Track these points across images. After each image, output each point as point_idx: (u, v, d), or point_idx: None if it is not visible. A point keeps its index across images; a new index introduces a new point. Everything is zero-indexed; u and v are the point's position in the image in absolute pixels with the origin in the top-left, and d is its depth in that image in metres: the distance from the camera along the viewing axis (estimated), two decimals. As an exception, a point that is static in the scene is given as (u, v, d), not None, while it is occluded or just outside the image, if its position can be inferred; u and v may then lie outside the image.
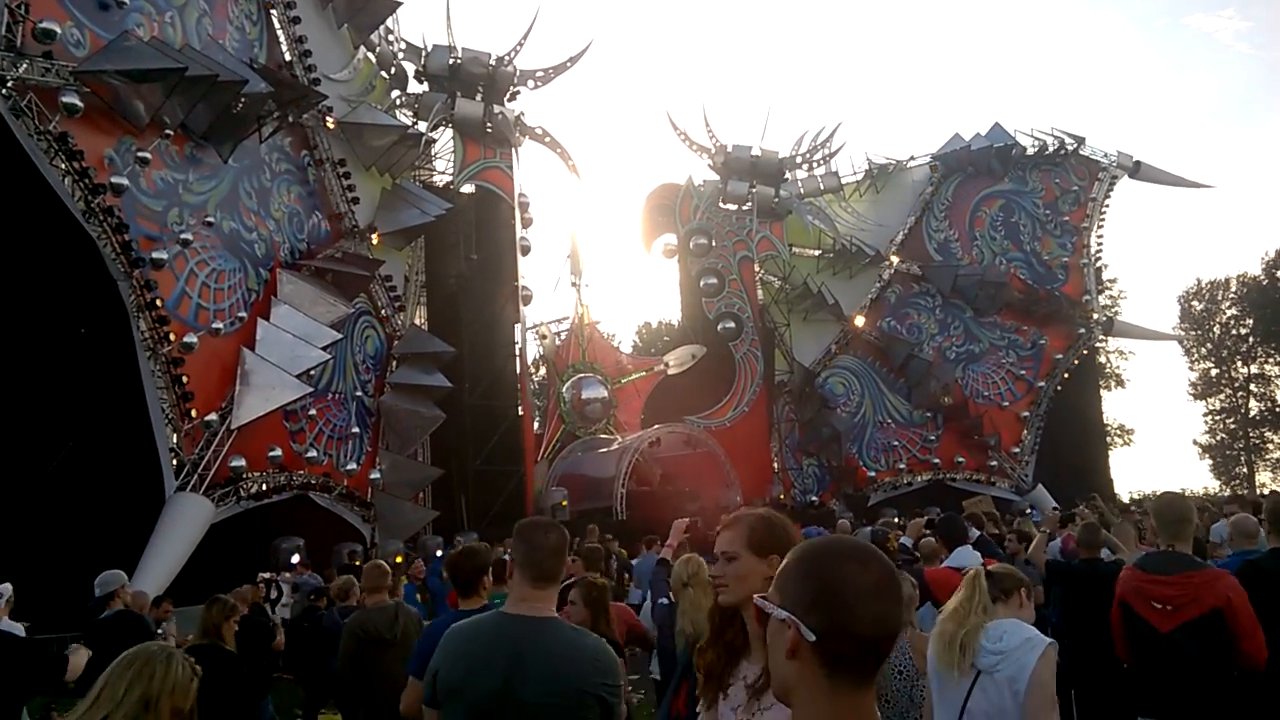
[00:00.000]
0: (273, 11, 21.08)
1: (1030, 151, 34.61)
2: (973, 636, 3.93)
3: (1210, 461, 53.78)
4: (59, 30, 15.54)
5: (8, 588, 7.51)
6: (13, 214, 16.02)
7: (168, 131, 17.32)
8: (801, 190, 34.19)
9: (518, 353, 27.09)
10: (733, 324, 32.45)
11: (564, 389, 29.95)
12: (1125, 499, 36.51)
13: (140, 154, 16.77)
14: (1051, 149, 34.63)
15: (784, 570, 1.76)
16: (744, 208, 33.11)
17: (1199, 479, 58.18)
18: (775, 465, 32.08)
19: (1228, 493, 44.64)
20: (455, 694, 3.14)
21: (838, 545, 1.78)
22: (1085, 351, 34.88)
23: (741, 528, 2.91)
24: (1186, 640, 4.83)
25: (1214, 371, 53.29)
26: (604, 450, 28.38)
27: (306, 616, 11.56)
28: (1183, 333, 51.54)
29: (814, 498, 31.48)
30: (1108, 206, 35.00)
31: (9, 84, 14.79)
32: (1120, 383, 50.59)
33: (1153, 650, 5.03)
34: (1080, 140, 34.78)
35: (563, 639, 3.24)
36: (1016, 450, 32.88)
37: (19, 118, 15.01)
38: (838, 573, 1.69)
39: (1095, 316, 34.61)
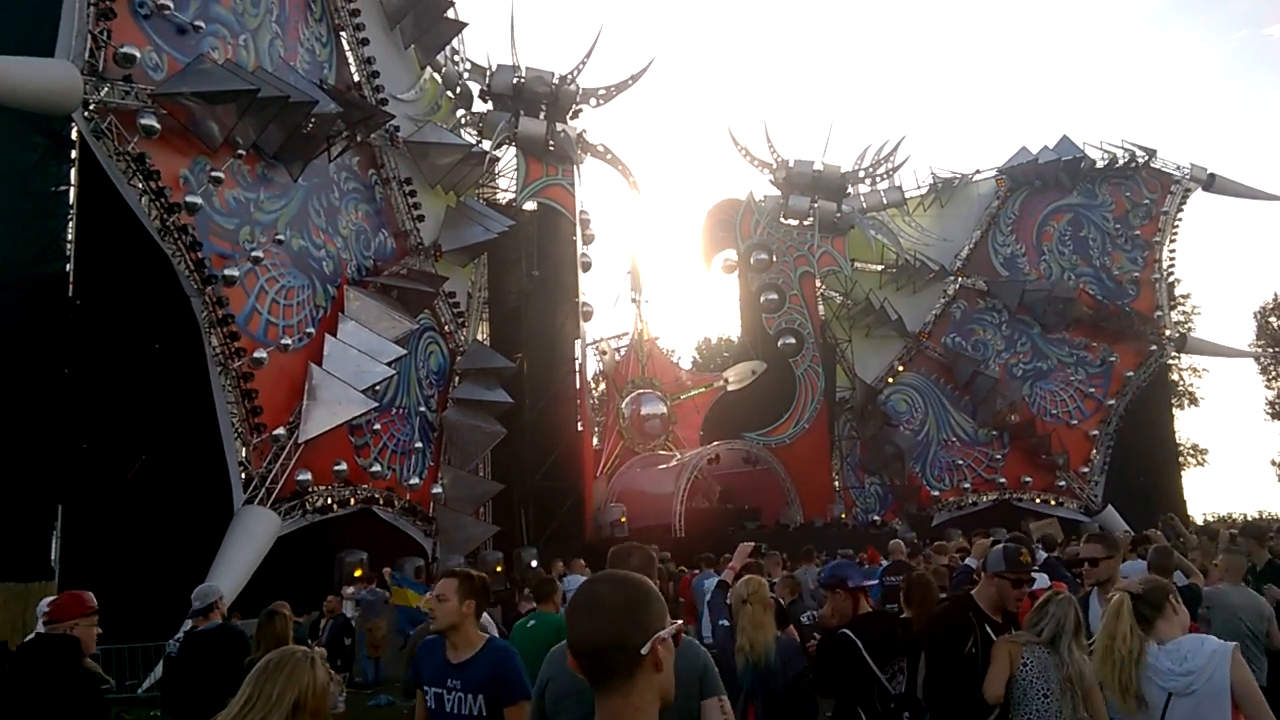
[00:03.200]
0: (342, 34, 21.54)
1: (1100, 164, 33.95)
2: (1131, 665, 3.98)
3: (1290, 483, 51.94)
4: (139, 55, 16.02)
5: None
6: (93, 232, 16.55)
7: (240, 151, 17.74)
8: (864, 205, 33.99)
9: (578, 368, 27.25)
10: (793, 340, 32.27)
11: (623, 405, 30.01)
12: (1199, 520, 35.47)
13: (214, 173, 17.19)
14: (1122, 162, 33.94)
15: None
16: (805, 223, 32.96)
17: (1277, 501, 56.34)
18: (836, 483, 31.78)
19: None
20: (567, 701, 3.37)
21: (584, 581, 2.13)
22: (1157, 368, 33.98)
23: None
24: None
25: (1293, 390, 51.50)
26: (663, 467, 28.35)
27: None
28: (1259, 349, 49.90)
29: (876, 517, 31.09)
30: (1180, 220, 34.14)
31: (91, 107, 15.28)
32: (1194, 401, 49.16)
33: None
34: (1152, 153, 34.01)
35: None
36: (1085, 470, 32.15)
37: (100, 139, 15.49)
38: (568, 603, 2.06)
39: (1167, 333, 33.72)
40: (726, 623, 6.05)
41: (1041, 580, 7.51)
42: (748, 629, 5.71)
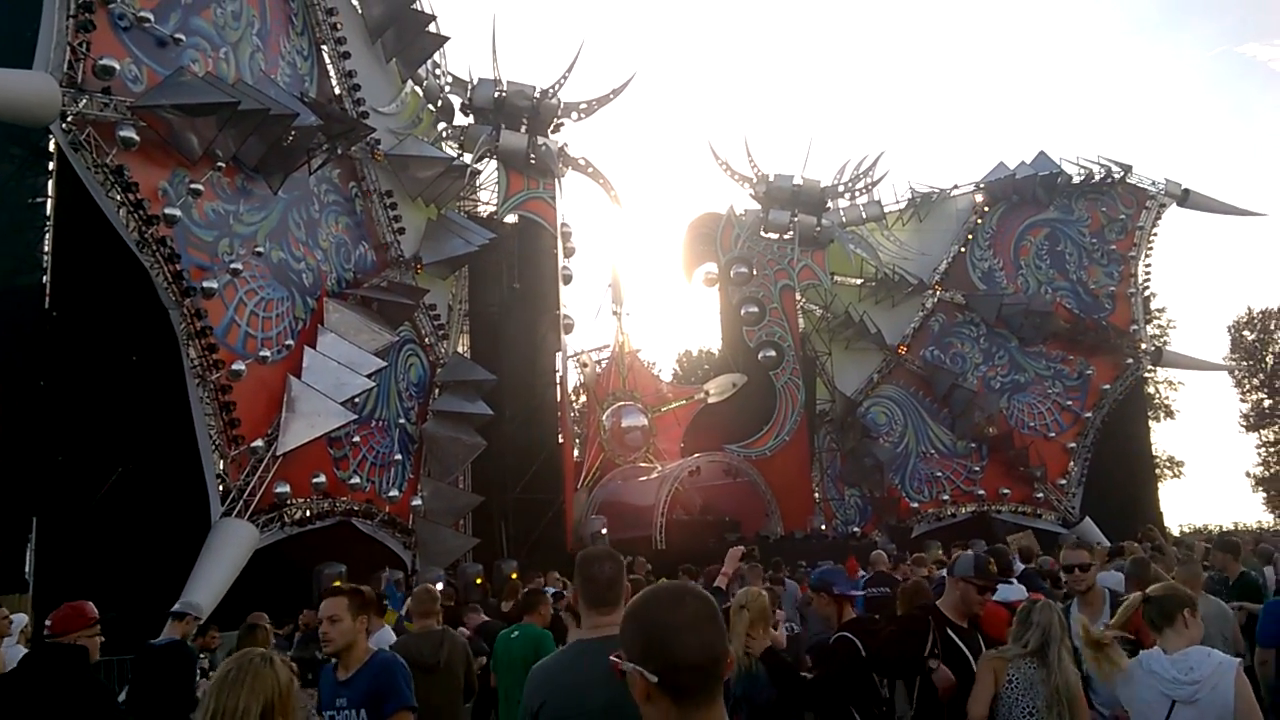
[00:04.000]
0: (324, 47, 21.55)
1: (1076, 180, 34.30)
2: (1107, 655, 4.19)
3: (1264, 494, 52.44)
4: (118, 67, 15.98)
5: (21, 618, 7.62)
6: (71, 244, 16.48)
7: (220, 164, 17.70)
8: (844, 219, 34.24)
9: (558, 381, 27.26)
10: (774, 353, 32.40)
11: (604, 417, 30.05)
12: (1176, 532, 35.78)
13: (193, 186, 17.14)
14: (1098, 177, 34.29)
15: (623, 627, 2.03)
16: (785, 236, 33.15)
17: (1252, 512, 56.79)
18: (817, 495, 31.89)
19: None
20: (568, 718, 3.28)
21: (656, 594, 2.04)
22: (1133, 382, 34.29)
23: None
24: None
25: (1267, 403, 52.07)
26: (643, 479, 28.38)
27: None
28: (1234, 363, 50.47)
29: (856, 528, 31.21)
30: (1156, 235, 34.50)
31: (69, 118, 15.24)
32: (1170, 414, 49.64)
33: None
34: (1127, 168, 34.40)
35: None
36: (1063, 482, 32.37)
37: (78, 151, 15.42)
38: (659, 618, 1.95)
39: (1143, 346, 34.05)
40: None
41: (1019, 592, 7.60)
42: (742, 635, 5.76)
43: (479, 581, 20.15)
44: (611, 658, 2.00)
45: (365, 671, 4.31)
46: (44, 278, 16.63)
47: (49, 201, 16.74)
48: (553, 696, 3.31)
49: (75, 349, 15.86)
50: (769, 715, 5.84)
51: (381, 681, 4.25)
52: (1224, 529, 40.41)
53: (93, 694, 4.65)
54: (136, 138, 16.02)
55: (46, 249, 16.76)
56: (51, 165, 16.50)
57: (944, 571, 10.85)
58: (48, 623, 5.22)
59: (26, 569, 15.66)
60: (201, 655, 8.86)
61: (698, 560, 16.37)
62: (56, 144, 15.81)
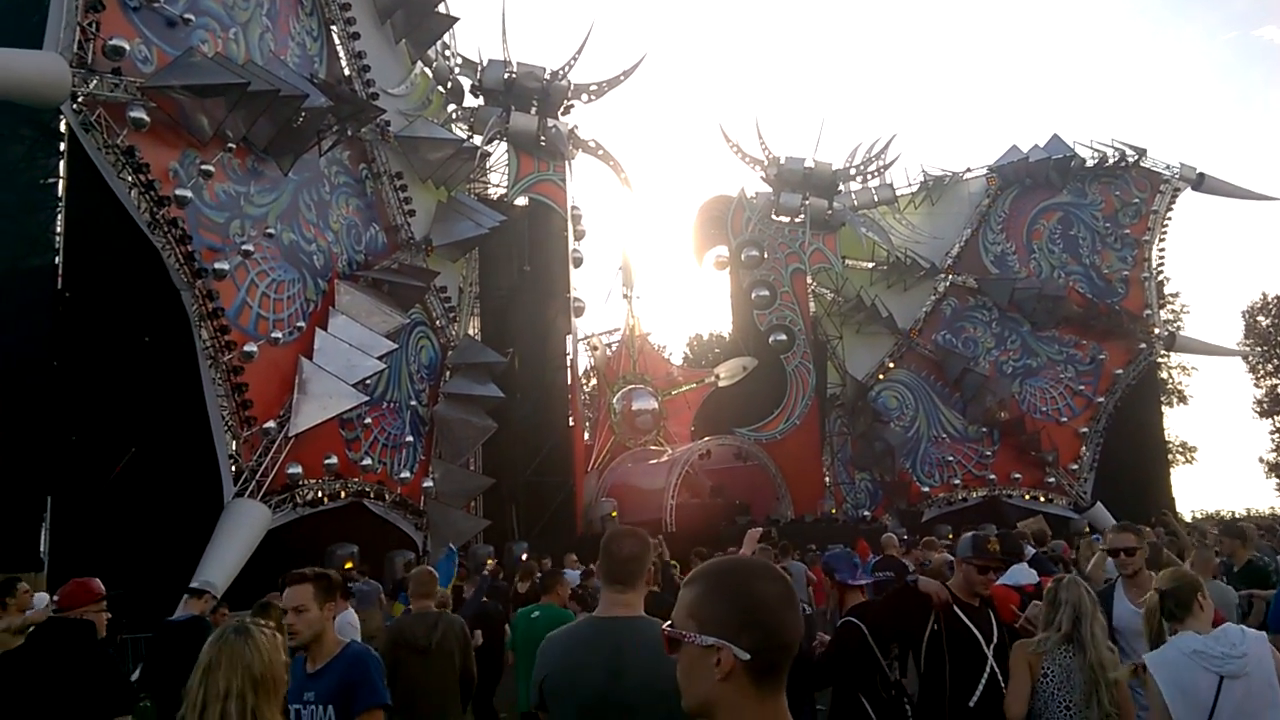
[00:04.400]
0: (333, 28, 21.51)
1: (1090, 163, 34.03)
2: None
3: (1277, 480, 52.20)
4: (128, 47, 15.99)
5: (43, 597, 7.68)
6: (82, 225, 16.50)
7: (230, 145, 17.72)
8: (855, 202, 34.08)
9: (569, 364, 27.27)
10: (784, 336, 32.32)
11: (614, 400, 30.04)
12: (1188, 517, 35.68)
13: (204, 167, 17.17)
14: (1112, 161, 34.01)
15: (698, 597, 1.81)
16: (797, 220, 33.03)
17: (1265, 498, 56.66)
18: (827, 479, 31.87)
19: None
20: (563, 696, 3.27)
21: (747, 565, 1.88)
22: (1146, 367, 34.10)
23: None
24: None
25: (1281, 388, 51.76)
26: (654, 462, 28.39)
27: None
28: (1248, 348, 50.11)
29: (866, 512, 31.18)
30: (1170, 219, 34.22)
31: (80, 99, 15.24)
32: (1183, 399, 49.37)
33: None
34: (1141, 152, 34.11)
35: (655, 636, 3.32)
36: (1075, 467, 32.26)
37: (88, 132, 15.46)
38: (758, 590, 1.78)
39: (1156, 331, 33.84)
40: None
41: (1029, 575, 7.57)
42: None
43: (490, 563, 20.20)
44: (665, 628, 1.85)
45: (336, 665, 4.09)
46: (56, 259, 16.65)
47: (60, 182, 16.74)
48: (556, 670, 3.32)
49: (88, 330, 15.90)
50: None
51: (353, 675, 4.04)
52: (1236, 515, 40.27)
53: (100, 667, 4.68)
54: (147, 118, 16.04)
55: (58, 230, 16.78)
56: (63, 146, 16.50)
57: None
58: (54, 598, 5.26)
59: (41, 548, 15.75)
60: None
61: (708, 544, 16.36)
62: (67, 125, 15.82)
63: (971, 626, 4.76)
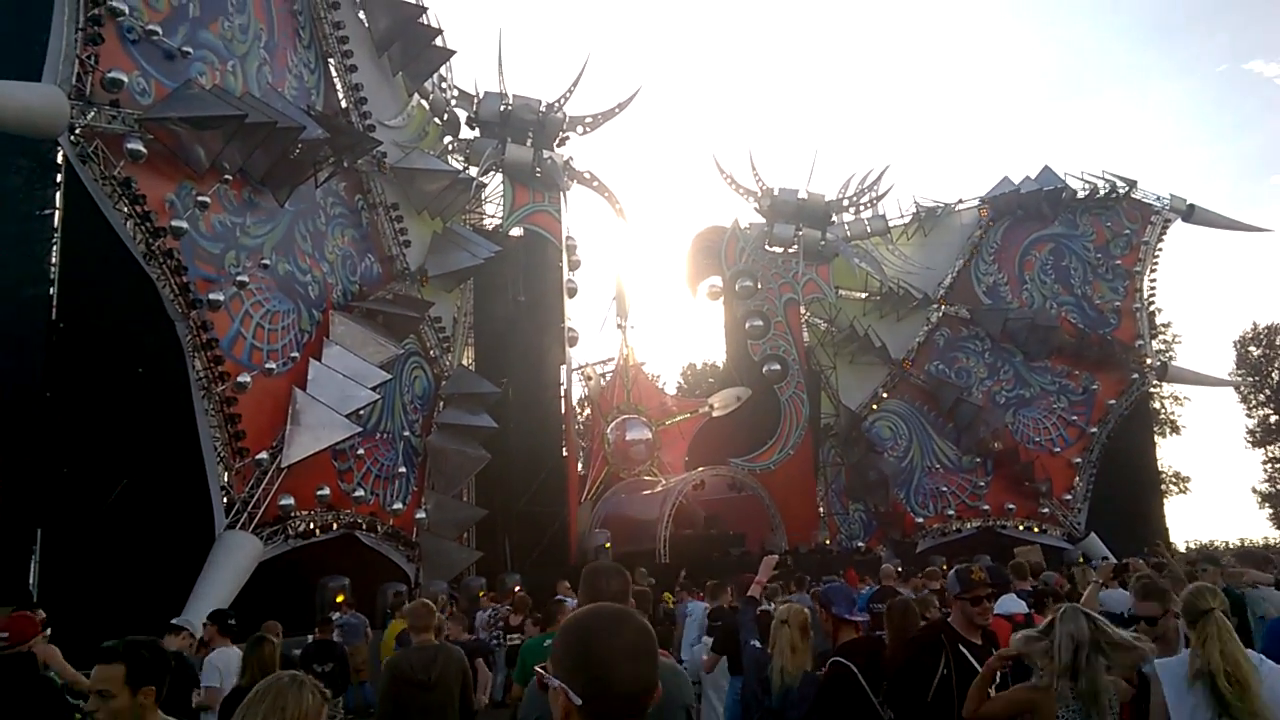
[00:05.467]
0: (330, 60, 21.67)
1: (1081, 195, 34.36)
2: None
3: (1270, 510, 52.21)
4: (126, 79, 16.07)
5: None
6: (78, 255, 16.51)
7: (227, 176, 17.76)
8: (848, 233, 34.29)
9: (563, 394, 27.26)
10: (778, 366, 32.39)
11: (608, 430, 30.02)
12: (1181, 548, 35.63)
13: (200, 198, 17.21)
14: (1103, 192, 34.33)
15: (555, 643, 1.96)
16: (790, 250, 33.20)
17: (1259, 529, 56.61)
18: (821, 509, 31.83)
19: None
20: None
21: (594, 614, 1.98)
22: (1139, 397, 34.21)
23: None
24: None
25: (1273, 418, 51.88)
26: (648, 492, 28.33)
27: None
28: (1240, 378, 50.31)
29: (860, 543, 31.13)
30: (1161, 250, 34.50)
31: (77, 131, 15.31)
32: (1175, 429, 49.51)
33: None
34: (1132, 184, 34.43)
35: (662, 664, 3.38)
36: (1068, 497, 32.28)
37: (86, 163, 15.50)
38: (596, 643, 1.89)
39: (1149, 361, 33.98)
40: (757, 643, 6.03)
41: (1018, 605, 7.58)
42: (785, 650, 5.72)
43: (481, 595, 20.10)
44: (537, 668, 1.96)
45: None
46: (51, 289, 16.61)
47: (56, 213, 16.73)
48: (546, 711, 3.28)
49: (82, 360, 15.85)
50: None
51: None
52: (1229, 544, 40.24)
53: (38, 692, 4.73)
54: (144, 150, 16.10)
55: (54, 260, 16.74)
56: (59, 177, 16.50)
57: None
58: (4, 635, 5.35)
59: (31, 580, 15.62)
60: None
61: (701, 574, 16.33)
62: (64, 156, 15.84)
63: (976, 665, 4.71)
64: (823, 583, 18.21)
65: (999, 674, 4.56)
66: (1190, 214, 34.40)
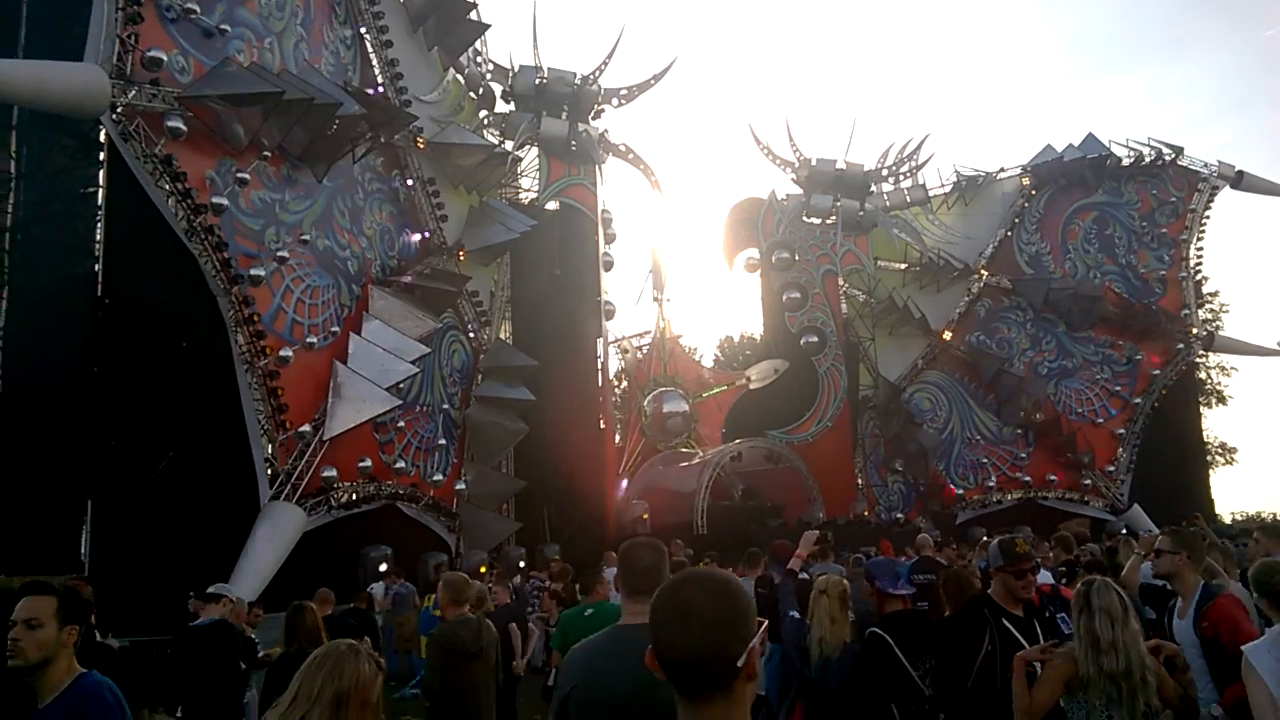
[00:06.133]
0: (366, 36, 21.75)
1: (1126, 162, 33.68)
2: None
3: (1321, 483, 51.28)
4: (165, 58, 16.30)
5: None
6: (121, 232, 16.80)
7: (266, 153, 17.97)
8: (887, 203, 33.94)
9: (600, 367, 27.34)
10: (816, 338, 32.21)
11: (645, 403, 30.06)
12: (1228, 520, 35.14)
13: (240, 175, 17.43)
14: (1148, 160, 33.63)
15: None
16: (828, 221, 32.93)
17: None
18: (859, 481, 31.72)
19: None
20: (590, 708, 3.25)
21: (669, 582, 2.00)
22: (1184, 367, 33.64)
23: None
24: None
25: (1325, 388, 50.83)
26: (685, 464, 28.37)
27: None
28: (1289, 348, 49.27)
29: (899, 515, 30.99)
30: (1208, 218, 33.80)
31: (119, 110, 15.54)
32: (1222, 399, 48.57)
33: None
34: (1178, 150, 33.71)
35: None
36: (1111, 469, 31.88)
37: (127, 141, 15.77)
38: (655, 606, 1.94)
39: (1195, 331, 33.37)
40: (796, 614, 6.10)
41: (1045, 576, 7.54)
42: (824, 620, 5.77)
43: (521, 565, 20.32)
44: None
45: (63, 702, 3.37)
46: (96, 266, 16.96)
47: (100, 191, 17.05)
48: (584, 680, 3.30)
49: (127, 336, 16.17)
50: (835, 704, 5.80)
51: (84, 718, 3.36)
52: (1277, 516, 39.57)
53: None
54: (184, 128, 16.33)
55: (98, 238, 17.08)
56: (102, 155, 16.80)
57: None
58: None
59: (82, 550, 16.04)
60: (254, 635, 8.97)
61: (739, 545, 16.33)
62: (107, 134, 16.12)
63: (1021, 640, 4.65)
64: (859, 551, 18.25)
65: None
66: (1239, 181, 33.64)
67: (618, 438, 29.09)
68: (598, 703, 3.22)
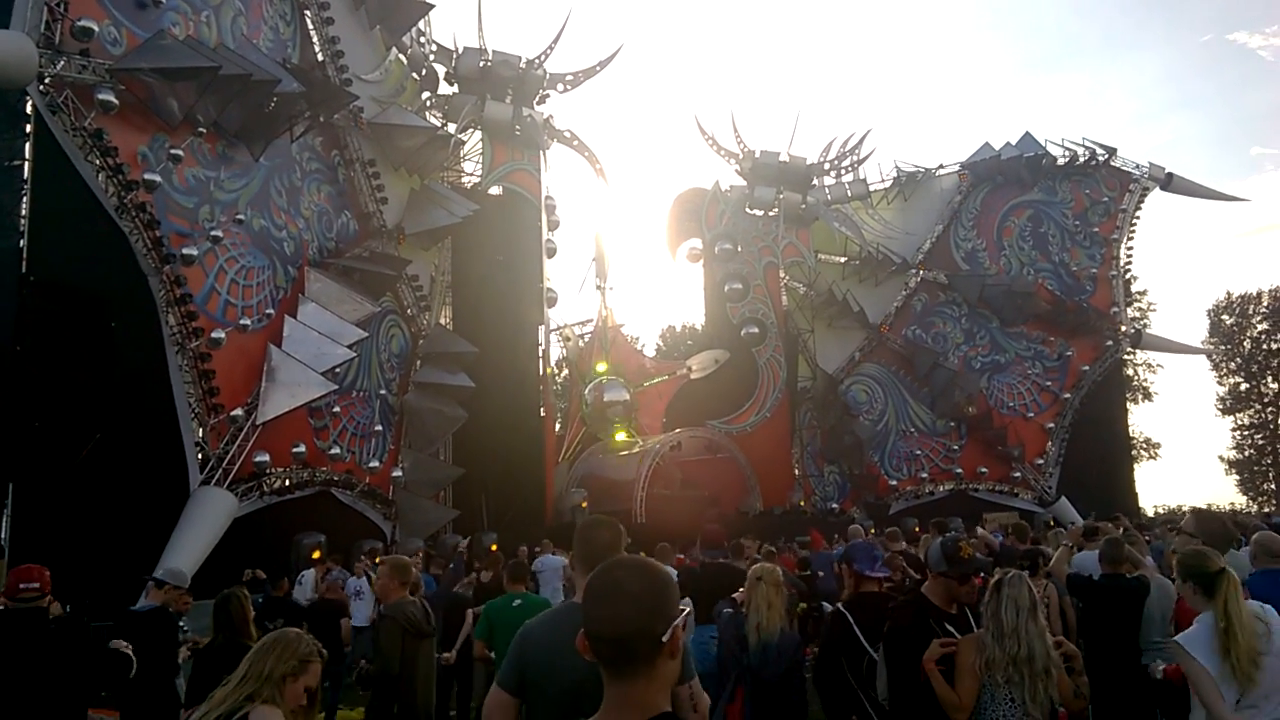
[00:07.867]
0: (307, 12, 21.30)
1: (1061, 162, 34.39)
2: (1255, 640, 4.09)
3: (1237, 477, 53.07)
4: (96, 28, 15.78)
5: None
6: (48, 208, 16.27)
7: (200, 129, 17.53)
8: (829, 197, 34.22)
9: (541, 354, 27.21)
10: (756, 329, 32.42)
11: (586, 391, 30.01)
12: (1150, 513, 36.17)
13: (173, 151, 16.98)
14: (1082, 159, 34.38)
15: None
16: (770, 213, 33.11)
17: (1225, 494, 57.57)
18: (796, 471, 32.01)
19: (1254, 509, 44.15)
20: (545, 683, 3.30)
21: (606, 562, 2.10)
22: (1113, 364, 34.55)
23: None
24: None
25: (1243, 386, 52.56)
26: (625, 453, 28.40)
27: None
28: (1212, 346, 50.87)
29: (835, 505, 31.37)
30: (1138, 218, 34.67)
31: (46, 81, 15.02)
32: (1148, 396, 50.06)
33: None
34: (1112, 151, 34.50)
35: None
36: (1040, 462, 32.63)
37: (55, 114, 15.25)
38: (589, 584, 2.04)
39: (1123, 329, 34.26)
40: (729, 609, 6.26)
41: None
42: (761, 608, 5.82)
43: (459, 551, 20.16)
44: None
45: None
46: (21, 242, 16.39)
47: (26, 165, 16.48)
48: (539, 654, 3.35)
49: (53, 314, 15.69)
50: (774, 690, 5.86)
51: None
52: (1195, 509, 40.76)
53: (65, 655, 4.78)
54: (116, 101, 15.85)
55: (24, 213, 16.52)
56: (29, 127, 16.23)
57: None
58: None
59: (2, 534, 15.56)
60: (182, 623, 8.78)
61: (678, 535, 16.43)
62: (34, 106, 15.57)
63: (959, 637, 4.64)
64: (795, 542, 18.48)
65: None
66: (1168, 182, 34.54)
67: (558, 426, 29.00)
68: (550, 679, 3.26)
